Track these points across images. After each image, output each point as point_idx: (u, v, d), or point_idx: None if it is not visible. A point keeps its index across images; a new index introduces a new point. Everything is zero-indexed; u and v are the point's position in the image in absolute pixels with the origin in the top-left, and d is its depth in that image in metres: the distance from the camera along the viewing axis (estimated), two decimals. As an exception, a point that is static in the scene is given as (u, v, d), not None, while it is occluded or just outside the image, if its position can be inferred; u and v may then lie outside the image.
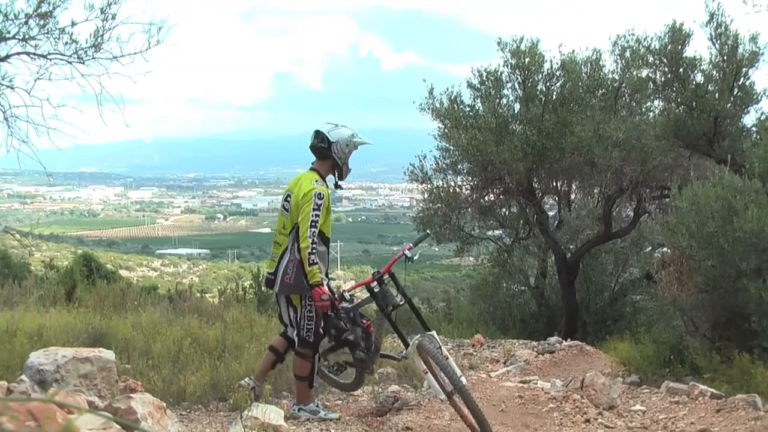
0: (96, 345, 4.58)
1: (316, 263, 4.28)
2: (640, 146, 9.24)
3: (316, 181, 4.46)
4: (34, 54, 5.47)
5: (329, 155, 4.50)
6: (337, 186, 4.68)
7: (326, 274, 4.56)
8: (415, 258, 4.51)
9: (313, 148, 4.56)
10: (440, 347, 4.23)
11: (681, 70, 8.43)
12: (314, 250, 4.28)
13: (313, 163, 4.62)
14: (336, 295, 4.46)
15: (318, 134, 4.52)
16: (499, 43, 10.50)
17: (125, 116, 5.65)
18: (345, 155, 4.52)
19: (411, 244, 4.56)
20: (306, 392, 4.56)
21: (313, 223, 4.32)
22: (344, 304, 4.33)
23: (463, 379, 4.15)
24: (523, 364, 7.18)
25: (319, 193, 4.38)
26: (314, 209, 4.33)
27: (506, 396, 5.33)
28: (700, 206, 5.68)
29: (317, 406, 4.59)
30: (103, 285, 8.24)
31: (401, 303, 4.42)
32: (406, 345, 4.31)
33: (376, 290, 4.41)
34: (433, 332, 4.34)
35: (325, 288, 4.33)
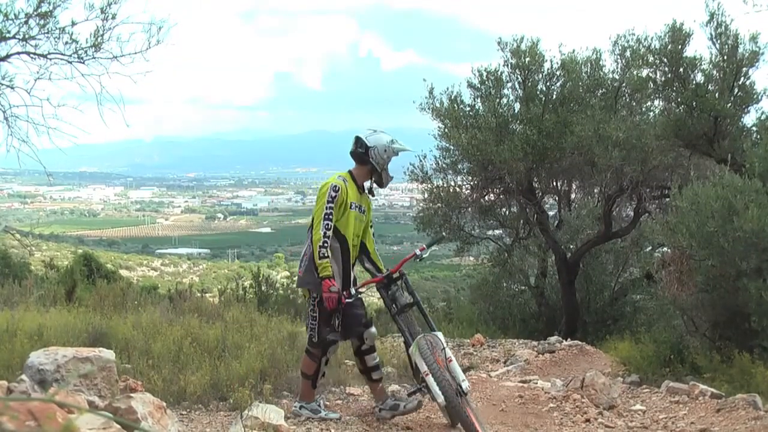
0: (96, 345, 4.58)
1: (327, 257, 4.25)
2: (640, 146, 9.24)
3: (339, 176, 4.48)
4: (34, 54, 5.46)
5: (367, 160, 4.49)
6: (370, 192, 4.62)
7: (346, 274, 4.45)
8: (425, 256, 4.47)
9: (353, 153, 4.56)
10: (444, 348, 4.16)
11: (681, 69, 8.43)
12: (326, 243, 4.25)
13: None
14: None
15: (357, 140, 4.53)
16: (499, 43, 10.50)
17: (125, 116, 5.63)
18: (383, 161, 4.48)
19: (425, 245, 4.51)
20: (309, 391, 4.57)
21: (327, 216, 4.30)
22: (348, 301, 4.28)
23: (465, 384, 4.05)
24: (523, 363, 7.19)
25: (335, 186, 4.37)
26: (328, 201, 4.32)
27: (506, 396, 5.33)
28: (700, 206, 5.68)
29: (319, 405, 4.59)
30: (103, 285, 8.22)
31: (410, 303, 4.37)
32: (408, 345, 4.28)
33: (385, 289, 4.37)
34: (439, 333, 4.27)
35: (336, 282, 4.27)
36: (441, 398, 3.99)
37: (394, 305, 4.35)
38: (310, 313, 4.45)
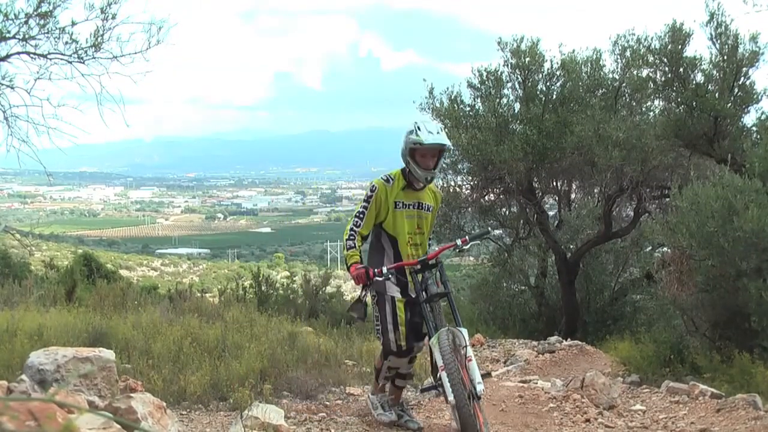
0: (96, 345, 4.58)
1: (354, 247, 4.25)
2: (640, 146, 9.24)
3: (386, 175, 4.43)
4: (34, 54, 5.46)
5: None
6: (409, 186, 4.42)
7: (394, 272, 4.30)
8: (465, 248, 4.37)
9: None
10: (466, 346, 4.02)
11: (681, 69, 8.43)
12: (352, 236, 4.26)
13: None
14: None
15: None
16: (499, 43, 10.50)
17: (125, 116, 5.63)
18: (404, 152, 4.36)
19: (467, 238, 4.42)
20: (375, 384, 4.63)
21: (358, 214, 4.31)
22: (377, 279, 4.18)
23: (479, 387, 3.89)
24: (523, 363, 7.19)
25: (373, 186, 4.37)
26: (364, 200, 4.35)
27: (506, 396, 5.33)
28: (700, 206, 5.68)
29: (379, 401, 4.58)
30: (103, 285, 8.23)
31: (441, 293, 4.24)
32: (429, 337, 4.15)
33: (417, 275, 4.27)
34: (464, 330, 4.11)
35: (361, 266, 4.22)
36: (452, 397, 3.82)
37: (423, 293, 4.24)
38: (373, 312, 4.44)
